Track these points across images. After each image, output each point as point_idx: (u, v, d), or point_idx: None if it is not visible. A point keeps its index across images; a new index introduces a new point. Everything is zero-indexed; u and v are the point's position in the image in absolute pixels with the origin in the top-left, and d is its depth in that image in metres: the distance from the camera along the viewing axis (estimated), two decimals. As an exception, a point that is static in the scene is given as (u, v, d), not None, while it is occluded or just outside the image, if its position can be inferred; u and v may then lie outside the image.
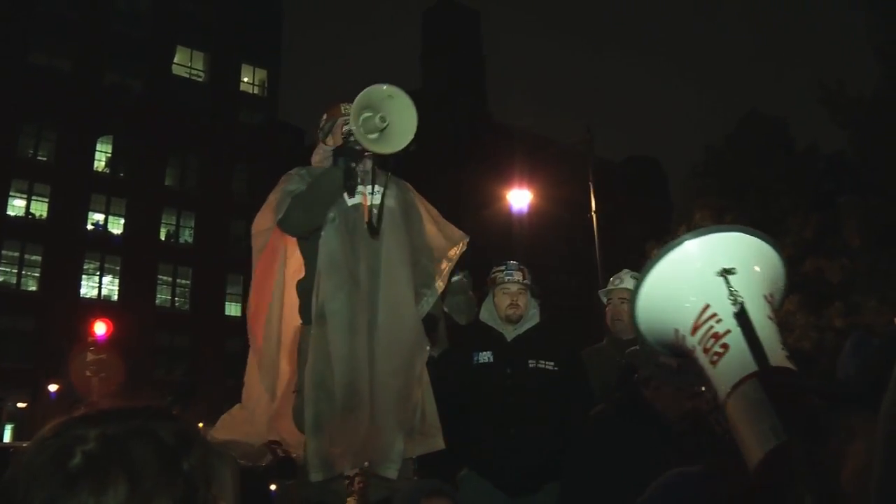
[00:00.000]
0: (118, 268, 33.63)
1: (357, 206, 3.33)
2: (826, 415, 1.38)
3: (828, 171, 23.12)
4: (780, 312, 1.57)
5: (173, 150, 35.54)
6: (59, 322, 28.97)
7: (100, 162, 34.57)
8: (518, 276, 4.04)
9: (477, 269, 4.03)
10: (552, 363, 3.93)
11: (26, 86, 31.40)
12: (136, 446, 1.03)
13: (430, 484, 2.91)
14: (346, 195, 3.29)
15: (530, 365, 3.91)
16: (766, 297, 1.52)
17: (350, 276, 3.21)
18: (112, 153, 34.88)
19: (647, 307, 1.63)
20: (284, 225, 3.32)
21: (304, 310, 3.34)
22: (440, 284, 3.55)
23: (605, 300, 4.50)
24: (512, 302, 4.00)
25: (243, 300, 33.97)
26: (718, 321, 1.48)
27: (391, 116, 3.14)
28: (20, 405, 29.97)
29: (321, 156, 3.59)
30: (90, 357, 15.57)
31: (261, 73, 40.08)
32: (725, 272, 1.50)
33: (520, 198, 23.92)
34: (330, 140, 3.61)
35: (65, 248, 31.66)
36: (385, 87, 3.17)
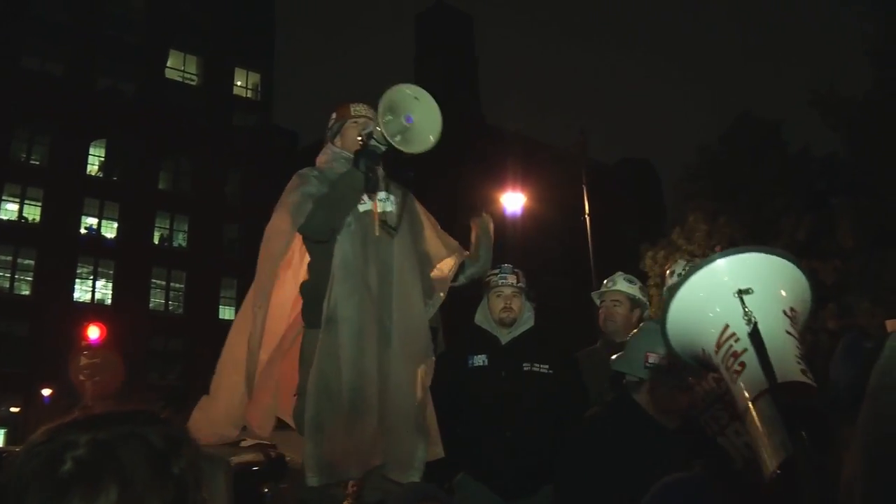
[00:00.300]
0: (112, 272, 33.56)
1: (368, 212, 3.32)
2: (829, 428, 1.44)
3: (820, 172, 23.21)
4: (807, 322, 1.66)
5: (167, 154, 35.49)
6: (52, 326, 28.93)
7: (93, 166, 34.51)
8: (512, 279, 4.03)
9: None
10: (546, 366, 3.93)
11: (19, 90, 31.34)
12: (126, 451, 1.04)
13: (423, 488, 2.91)
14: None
15: (524, 368, 3.91)
16: (785, 312, 1.59)
17: (363, 282, 3.20)
18: (105, 157, 34.82)
19: (676, 330, 1.73)
20: (307, 229, 3.25)
21: (310, 313, 3.31)
22: (441, 296, 3.56)
23: (598, 302, 4.51)
24: (506, 305, 4.00)
25: (237, 303, 34.07)
26: (737, 340, 1.56)
27: (416, 115, 3.15)
28: (13, 409, 29.91)
29: (329, 156, 3.54)
30: (84, 361, 15.54)
31: (254, 77, 40.05)
32: (741, 292, 1.58)
33: (513, 201, 23.96)
34: (339, 140, 3.56)
35: (58, 252, 31.58)
36: (409, 89, 3.17)
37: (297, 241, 3.40)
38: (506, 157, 34.04)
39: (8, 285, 31.73)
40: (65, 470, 1.00)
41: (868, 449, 0.99)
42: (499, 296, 4.03)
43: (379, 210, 3.35)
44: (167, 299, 35.22)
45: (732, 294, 1.59)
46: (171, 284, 35.25)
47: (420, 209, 3.63)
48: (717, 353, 1.62)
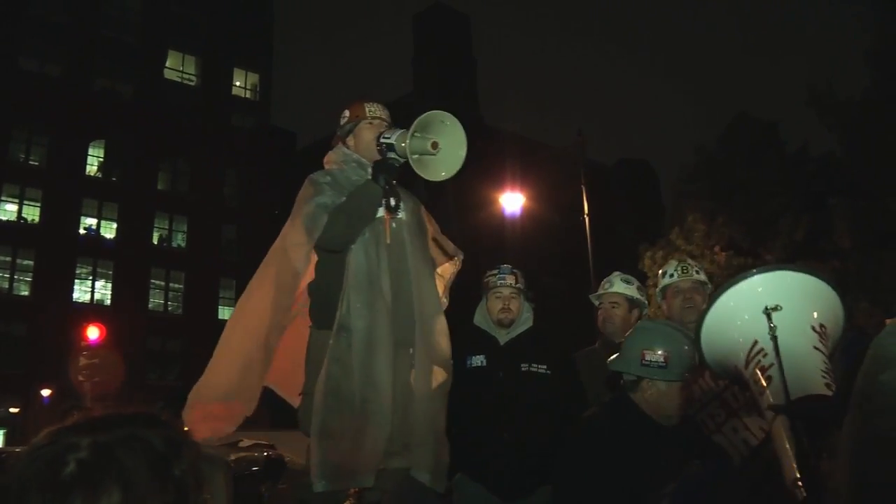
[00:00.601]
0: (111, 272, 33.54)
1: (380, 220, 3.28)
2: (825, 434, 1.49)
3: (818, 173, 23.20)
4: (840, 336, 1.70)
5: (165, 154, 35.47)
6: (51, 327, 28.93)
7: (92, 166, 34.48)
8: (510, 279, 4.04)
9: (470, 274, 4.04)
10: (544, 367, 3.93)
11: (18, 91, 31.34)
12: (127, 454, 1.04)
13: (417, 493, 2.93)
14: None
15: (522, 368, 3.91)
16: (814, 327, 1.63)
17: (378, 291, 3.18)
18: (104, 157, 34.80)
19: (710, 345, 1.81)
20: (324, 241, 3.19)
21: (319, 314, 3.29)
22: (444, 301, 3.57)
23: (596, 303, 4.51)
24: (504, 306, 4.00)
25: (236, 304, 33.97)
26: (765, 355, 1.63)
27: (442, 144, 3.11)
28: (12, 410, 29.90)
29: (341, 158, 3.48)
30: (83, 361, 15.54)
31: (253, 77, 40.03)
32: (769, 309, 1.63)
33: (512, 201, 23.94)
34: (351, 140, 3.50)
35: (57, 252, 31.58)
36: (448, 120, 3.13)
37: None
38: (504, 157, 34.04)
39: (7, 286, 31.70)
40: (67, 472, 1.01)
41: (853, 458, 0.99)
42: (497, 296, 4.03)
43: (389, 217, 3.32)
44: (166, 300, 35.22)
45: (761, 311, 1.63)
46: (170, 285, 35.24)
47: (426, 214, 3.61)
48: (746, 367, 1.68)
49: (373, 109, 3.51)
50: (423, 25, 53.62)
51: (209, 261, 34.86)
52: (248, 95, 39.87)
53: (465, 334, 4.06)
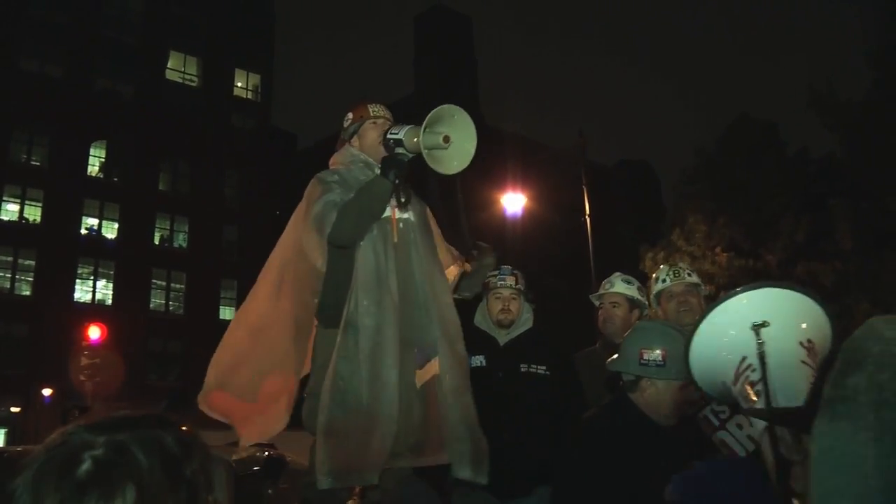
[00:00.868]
0: (112, 272, 33.57)
1: (387, 219, 3.29)
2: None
3: (819, 174, 23.18)
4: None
5: (167, 155, 35.50)
6: (52, 327, 28.96)
7: (93, 167, 34.52)
8: (510, 280, 4.04)
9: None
10: (544, 367, 3.94)
11: (19, 91, 31.38)
12: (142, 453, 1.05)
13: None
14: None
15: (522, 369, 3.91)
16: (802, 343, 1.63)
17: (387, 290, 3.18)
18: (105, 158, 34.83)
19: (699, 364, 1.83)
20: (334, 237, 3.18)
21: (326, 313, 3.30)
22: None
23: (597, 303, 4.52)
24: (504, 307, 4.01)
25: (237, 304, 34.03)
26: (753, 370, 1.67)
27: (453, 138, 3.13)
28: (13, 410, 29.93)
29: (347, 158, 3.48)
30: (84, 361, 15.56)
31: (254, 78, 40.04)
32: (757, 326, 1.66)
33: (514, 202, 23.92)
34: (356, 141, 3.51)
35: (58, 252, 31.61)
36: (458, 114, 3.16)
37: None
38: (505, 158, 34.01)
39: (8, 286, 31.74)
40: (83, 470, 1.02)
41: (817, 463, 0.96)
42: (497, 297, 4.04)
43: (397, 216, 3.33)
44: (167, 300, 35.23)
45: (749, 328, 1.67)
46: (172, 285, 35.27)
47: (430, 216, 3.62)
48: (735, 383, 1.72)
49: (376, 110, 3.53)
50: (424, 26, 53.66)
51: (210, 261, 34.88)
52: (249, 96, 39.89)
53: (465, 335, 4.07)
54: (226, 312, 34.70)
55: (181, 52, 37.61)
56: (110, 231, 34.24)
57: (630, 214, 47.00)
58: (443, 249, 3.63)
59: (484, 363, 3.94)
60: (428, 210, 3.61)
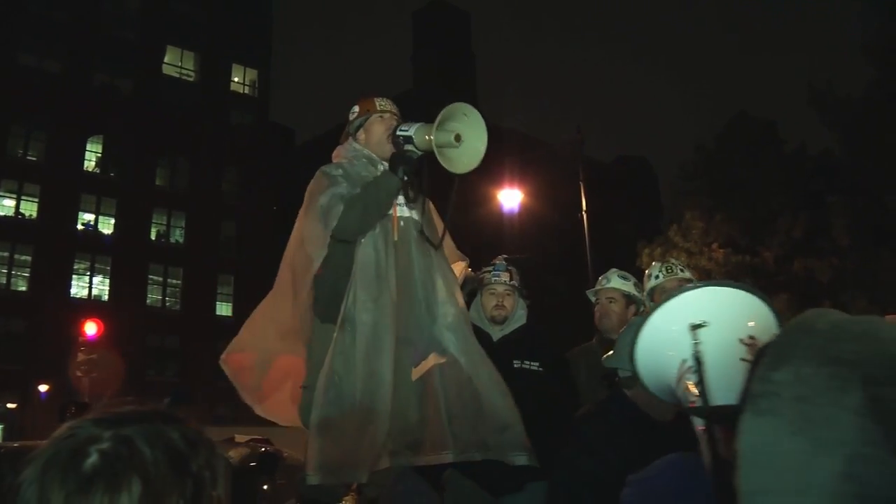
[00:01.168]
0: (109, 268, 33.56)
1: (389, 217, 3.29)
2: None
3: (817, 171, 23.22)
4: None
5: (164, 150, 35.48)
6: (49, 322, 28.94)
7: (90, 162, 34.49)
8: (505, 276, 4.03)
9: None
10: (537, 364, 3.93)
11: (16, 86, 31.34)
12: (148, 447, 1.05)
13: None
14: None
15: (515, 365, 3.90)
16: (742, 340, 1.64)
17: (386, 286, 3.18)
18: (102, 153, 34.80)
19: (645, 370, 1.85)
20: (339, 231, 3.17)
21: (324, 308, 3.28)
22: None
23: (593, 299, 4.52)
24: (498, 303, 4.00)
25: (234, 300, 34.14)
26: (694, 371, 1.67)
27: (464, 133, 3.13)
28: (10, 406, 29.92)
29: (351, 153, 3.46)
30: (81, 357, 15.57)
31: (251, 73, 40.02)
32: (695, 327, 1.67)
33: (511, 198, 23.90)
34: (361, 135, 3.49)
35: (55, 248, 31.58)
36: (469, 113, 3.16)
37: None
38: (503, 153, 33.99)
39: (5, 281, 31.70)
40: (89, 463, 1.02)
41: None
42: (492, 293, 4.03)
43: (398, 215, 3.32)
44: (164, 296, 35.21)
45: (688, 329, 1.67)
46: (168, 281, 35.24)
47: (435, 216, 3.61)
48: (677, 385, 1.73)
49: (383, 104, 3.52)
50: (422, 21, 53.69)
51: (207, 257, 34.87)
52: (246, 91, 39.87)
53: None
54: (223, 308, 34.71)
55: (178, 48, 37.58)
56: (107, 226, 34.22)
57: (628, 211, 47.07)
58: (449, 246, 3.62)
59: None
60: (432, 206, 3.60)
